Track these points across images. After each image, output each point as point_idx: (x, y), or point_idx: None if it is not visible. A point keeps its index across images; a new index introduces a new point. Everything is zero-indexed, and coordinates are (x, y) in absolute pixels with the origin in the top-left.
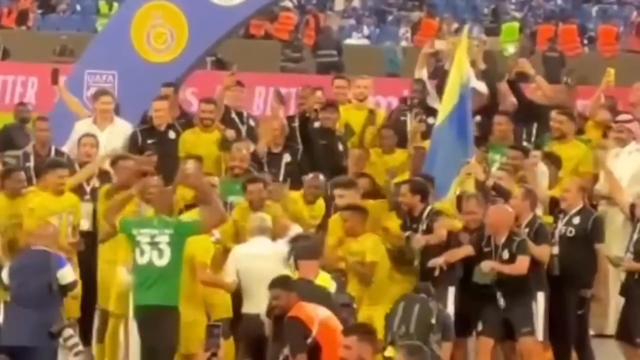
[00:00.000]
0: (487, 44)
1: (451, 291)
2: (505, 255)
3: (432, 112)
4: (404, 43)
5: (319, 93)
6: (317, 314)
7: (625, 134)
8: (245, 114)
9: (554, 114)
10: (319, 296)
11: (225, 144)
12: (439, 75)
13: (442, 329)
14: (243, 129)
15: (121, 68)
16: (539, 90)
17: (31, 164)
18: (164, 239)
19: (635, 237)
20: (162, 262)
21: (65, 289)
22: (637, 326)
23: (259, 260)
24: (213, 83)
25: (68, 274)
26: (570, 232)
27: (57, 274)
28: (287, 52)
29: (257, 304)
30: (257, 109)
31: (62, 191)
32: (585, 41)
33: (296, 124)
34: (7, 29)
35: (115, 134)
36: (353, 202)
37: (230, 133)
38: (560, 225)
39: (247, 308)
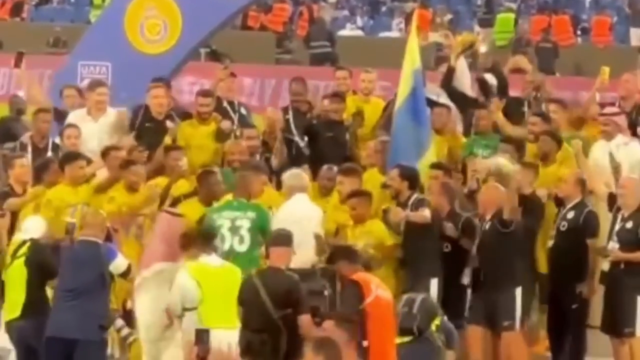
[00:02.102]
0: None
1: (434, 283)
2: (486, 225)
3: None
4: (397, 34)
5: (325, 102)
6: (377, 289)
7: (611, 126)
8: (236, 103)
9: (530, 117)
10: (288, 284)
11: (220, 136)
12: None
13: (446, 335)
14: (235, 117)
15: (115, 59)
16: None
17: (28, 155)
18: (245, 224)
19: (617, 225)
20: (243, 247)
21: (122, 277)
22: (626, 316)
23: (304, 219)
24: (207, 74)
25: (121, 263)
26: (564, 226)
27: (110, 266)
28: (286, 43)
29: (301, 258)
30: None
31: (82, 182)
32: (579, 32)
33: (290, 115)
34: (0, 20)
35: (109, 121)
36: (357, 189)
37: (226, 124)
38: (558, 219)
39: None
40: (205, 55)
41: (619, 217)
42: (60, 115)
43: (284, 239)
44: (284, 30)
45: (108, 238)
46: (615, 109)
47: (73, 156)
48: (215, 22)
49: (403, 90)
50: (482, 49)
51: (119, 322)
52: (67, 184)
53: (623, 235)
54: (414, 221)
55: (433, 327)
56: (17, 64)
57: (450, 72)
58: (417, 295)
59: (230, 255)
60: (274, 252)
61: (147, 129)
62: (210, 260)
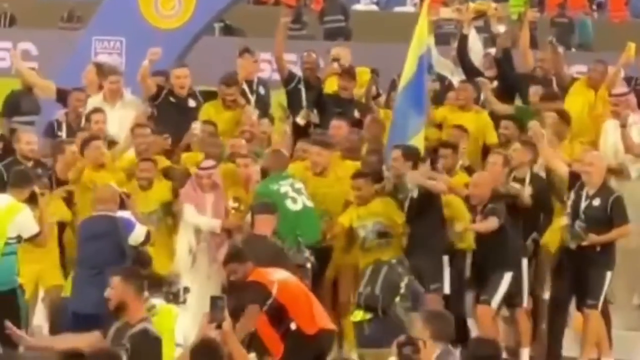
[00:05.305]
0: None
1: (445, 260)
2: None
3: (440, 78)
4: (412, 9)
5: (335, 64)
6: (275, 277)
7: (621, 106)
8: (255, 82)
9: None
10: (273, 253)
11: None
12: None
13: (412, 298)
14: (252, 98)
15: (129, 35)
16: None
17: (63, 133)
18: (302, 186)
19: (583, 204)
20: (310, 204)
21: (142, 245)
22: (593, 289)
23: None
24: (221, 49)
25: (139, 233)
26: (573, 201)
27: (129, 239)
28: (303, 18)
29: None
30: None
31: (103, 164)
32: (595, 7)
33: (302, 85)
34: None
35: (127, 110)
36: (362, 170)
37: (249, 111)
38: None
39: None
40: (220, 30)
41: (583, 195)
42: (65, 95)
43: (269, 207)
44: (298, 5)
45: (122, 205)
46: (624, 89)
47: (89, 138)
48: None
49: (407, 74)
50: (501, 28)
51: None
52: (90, 168)
53: (591, 213)
54: (430, 189)
55: (397, 299)
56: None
57: (464, 39)
58: (381, 266)
59: (305, 211)
60: (259, 220)
61: (169, 105)
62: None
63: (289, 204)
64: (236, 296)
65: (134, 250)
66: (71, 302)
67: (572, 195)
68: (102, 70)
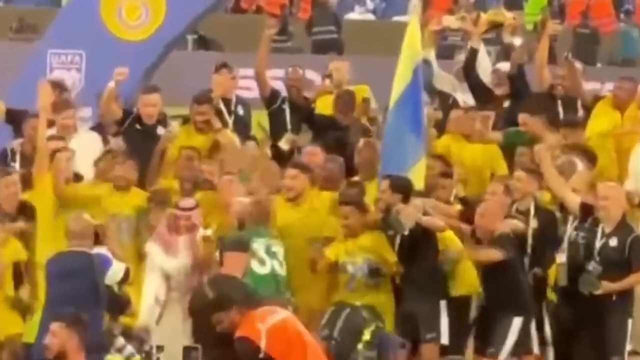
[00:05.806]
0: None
1: (443, 305)
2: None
3: (443, 96)
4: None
5: (327, 81)
6: (264, 325)
7: None
8: (233, 100)
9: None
10: (245, 297)
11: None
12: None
13: (379, 348)
14: (230, 120)
15: (89, 47)
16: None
17: (17, 164)
18: (279, 251)
19: (598, 243)
20: (283, 272)
21: (121, 284)
22: (617, 341)
23: None
24: (195, 65)
25: (117, 270)
26: (583, 238)
27: (105, 277)
28: (291, 29)
29: None
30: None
31: (69, 179)
32: (622, 15)
33: (286, 105)
34: None
35: (81, 144)
36: (350, 198)
37: (225, 137)
38: (570, 230)
39: None
40: (193, 43)
41: (598, 232)
42: (16, 116)
43: (241, 244)
44: (283, 14)
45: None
46: None
47: (56, 150)
48: (203, 5)
49: (396, 91)
50: (516, 41)
51: (120, 341)
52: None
53: (607, 254)
54: (427, 226)
55: (360, 346)
56: None
57: (473, 54)
58: (343, 308)
59: (273, 278)
60: (229, 258)
61: (135, 132)
62: None
63: (254, 264)
64: (220, 350)
65: (110, 291)
66: (36, 350)
67: (582, 231)
68: (55, 105)
